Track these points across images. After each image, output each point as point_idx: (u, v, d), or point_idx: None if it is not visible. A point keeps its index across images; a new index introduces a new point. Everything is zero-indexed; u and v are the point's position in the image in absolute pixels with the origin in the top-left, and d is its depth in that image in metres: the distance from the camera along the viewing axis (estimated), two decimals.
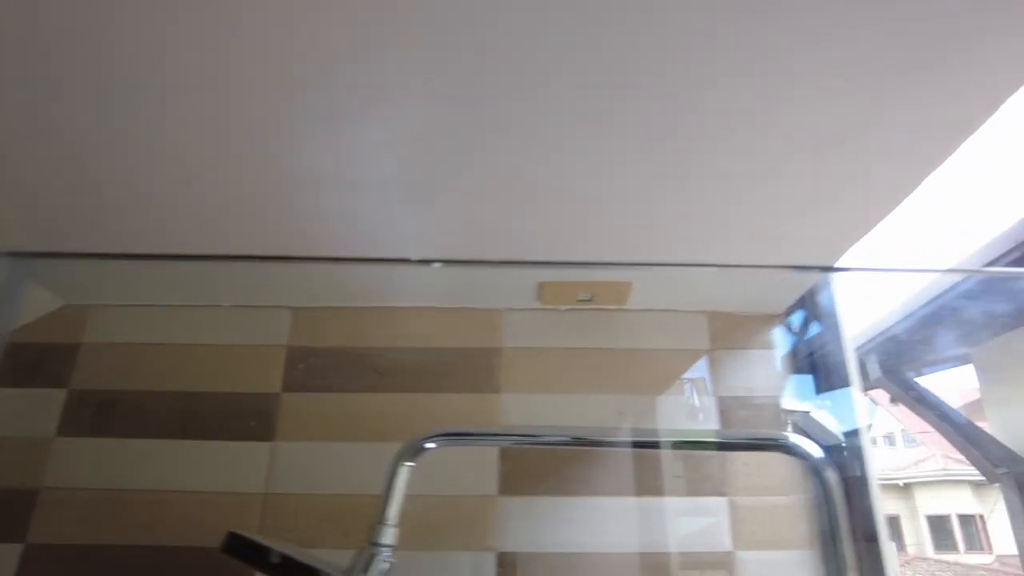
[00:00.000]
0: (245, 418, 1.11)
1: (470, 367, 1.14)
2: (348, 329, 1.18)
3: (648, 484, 1.07)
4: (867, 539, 1.05)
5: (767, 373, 1.15)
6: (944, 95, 0.65)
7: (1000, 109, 0.68)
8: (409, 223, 0.92)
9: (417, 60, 0.61)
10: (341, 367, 1.15)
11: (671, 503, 1.06)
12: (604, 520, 1.05)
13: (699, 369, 1.15)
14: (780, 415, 1.12)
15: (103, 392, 1.14)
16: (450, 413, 1.11)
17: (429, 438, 0.72)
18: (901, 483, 8.08)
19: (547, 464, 1.08)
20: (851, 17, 0.56)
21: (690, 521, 1.06)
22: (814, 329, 1.16)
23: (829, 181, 0.81)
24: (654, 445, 0.96)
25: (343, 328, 1.18)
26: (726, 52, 0.60)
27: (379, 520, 0.71)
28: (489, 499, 1.06)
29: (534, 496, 1.06)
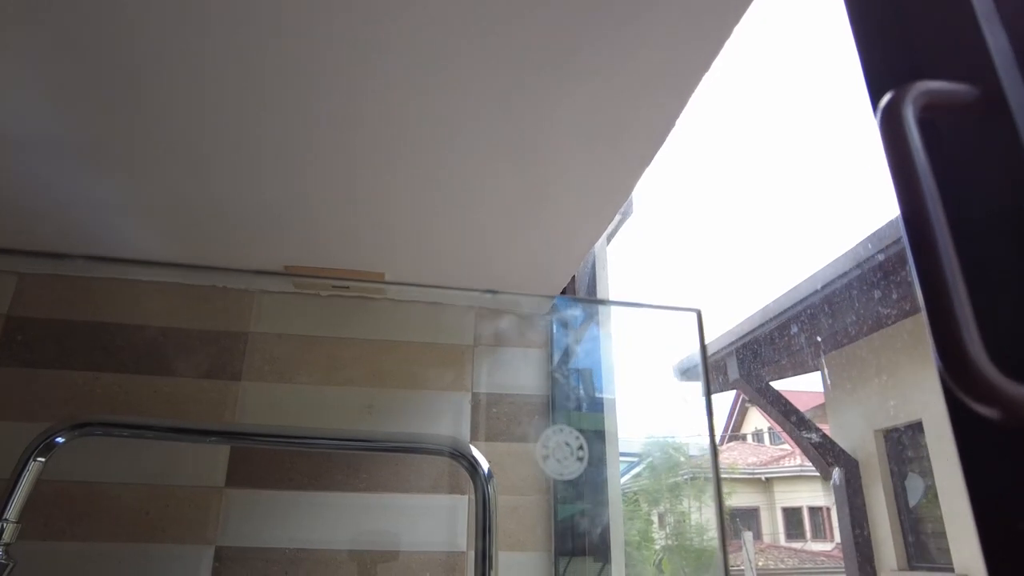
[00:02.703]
0: None
1: (209, 351, 1.07)
2: (79, 301, 1.08)
3: (382, 480, 1.04)
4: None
5: (528, 371, 1.15)
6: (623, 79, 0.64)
7: (678, 116, 0.68)
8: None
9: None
10: (66, 342, 1.04)
11: (407, 500, 1.03)
12: (332, 516, 1.01)
13: (458, 363, 1.13)
14: (535, 413, 1.12)
15: None
16: (179, 399, 1.03)
17: (63, 430, 0.65)
18: (763, 478, 8.57)
19: (278, 457, 1.03)
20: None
21: (423, 518, 1.03)
22: (576, 331, 1.16)
23: (543, 176, 0.79)
24: (326, 446, 0.92)
25: (79, 300, 1.08)
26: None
27: None
28: (215, 490, 1.00)
29: (260, 489, 1.01)
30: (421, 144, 0.73)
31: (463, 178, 0.80)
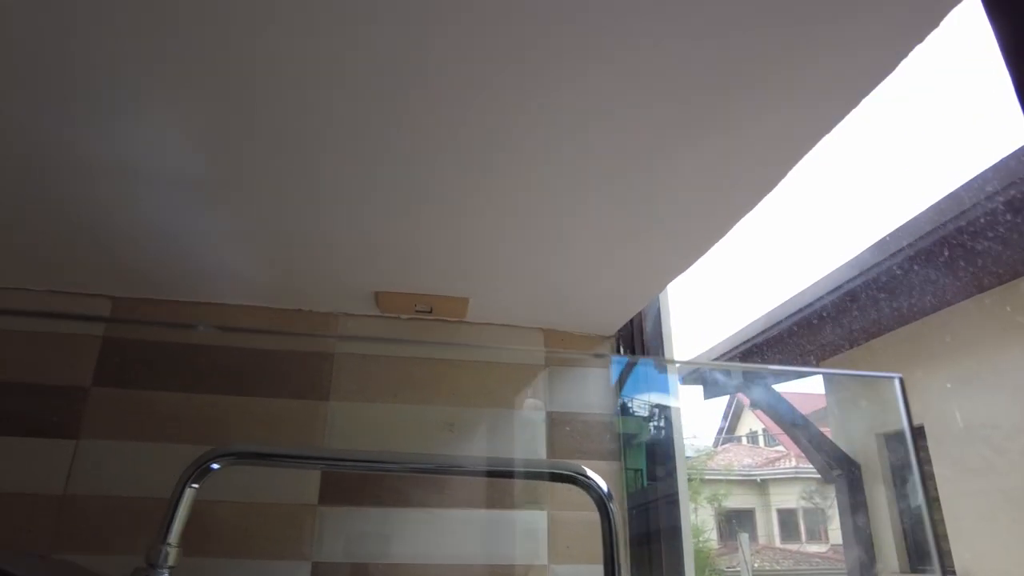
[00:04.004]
0: (48, 413, 1.03)
1: (298, 372, 1.11)
2: (171, 323, 1.12)
3: (468, 497, 1.09)
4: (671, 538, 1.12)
5: (597, 390, 1.20)
6: (748, 137, 0.69)
7: (792, 170, 0.74)
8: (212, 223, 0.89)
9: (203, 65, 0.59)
10: (159, 363, 1.09)
11: (491, 516, 1.08)
12: (424, 531, 1.06)
13: (532, 384, 1.18)
14: (606, 431, 1.17)
15: None
16: (271, 419, 1.08)
17: (215, 458, 0.70)
18: (759, 479, 8.68)
19: (368, 474, 1.07)
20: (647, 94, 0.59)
21: (508, 534, 1.08)
22: (640, 352, 1.21)
23: (645, 216, 0.85)
24: (457, 471, 0.97)
25: (164, 322, 1.12)
26: (535, 90, 0.62)
27: (160, 539, 0.68)
28: (308, 508, 1.04)
29: (353, 506, 1.05)
30: (525, 186, 0.77)
31: (560, 215, 0.85)
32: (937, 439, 3.59)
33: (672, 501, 1.11)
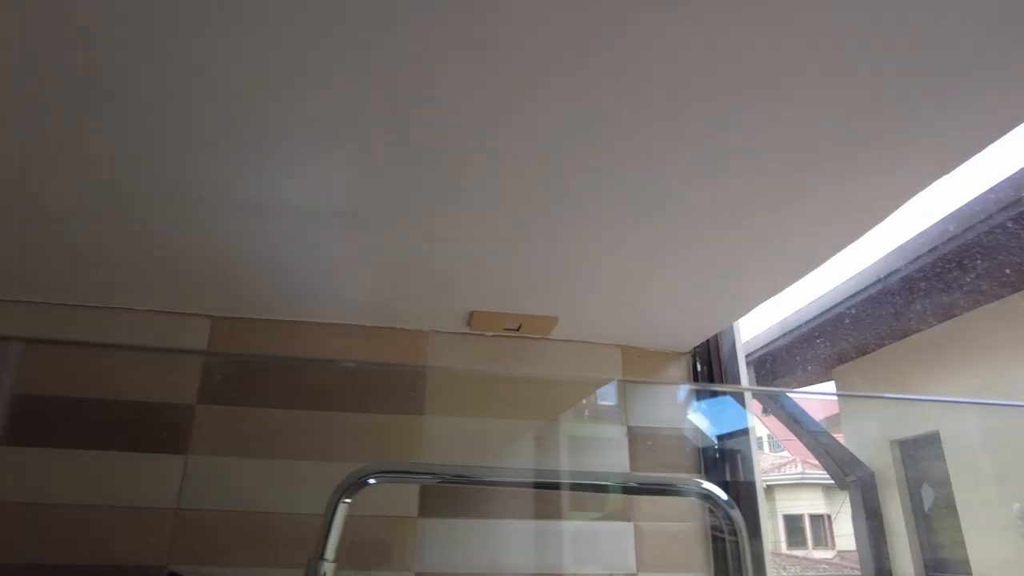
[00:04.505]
0: (157, 429, 1.07)
1: (393, 387, 1.15)
2: (269, 342, 1.16)
3: (558, 508, 1.13)
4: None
5: (674, 405, 1.25)
6: (857, 187, 0.74)
7: (906, 202, 0.79)
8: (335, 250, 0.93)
9: (374, 106, 0.63)
10: (260, 380, 1.13)
11: (579, 527, 1.13)
12: (516, 542, 1.10)
13: (612, 399, 1.22)
14: (684, 446, 1.22)
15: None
16: (371, 434, 1.12)
17: (370, 474, 0.74)
18: (764, 485, 8.74)
19: (464, 487, 1.12)
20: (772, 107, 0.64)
21: (597, 544, 1.13)
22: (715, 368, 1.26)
23: (743, 251, 0.90)
24: (588, 487, 1.01)
25: (264, 340, 1.16)
26: (661, 135, 0.66)
27: (317, 555, 0.72)
28: (409, 520, 1.08)
29: (452, 518, 1.10)
30: (628, 219, 0.81)
31: (660, 245, 0.89)
32: (952, 446, 3.64)
33: (752, 511, 1.15)
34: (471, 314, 1.13)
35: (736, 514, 0.81)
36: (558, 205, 0.79)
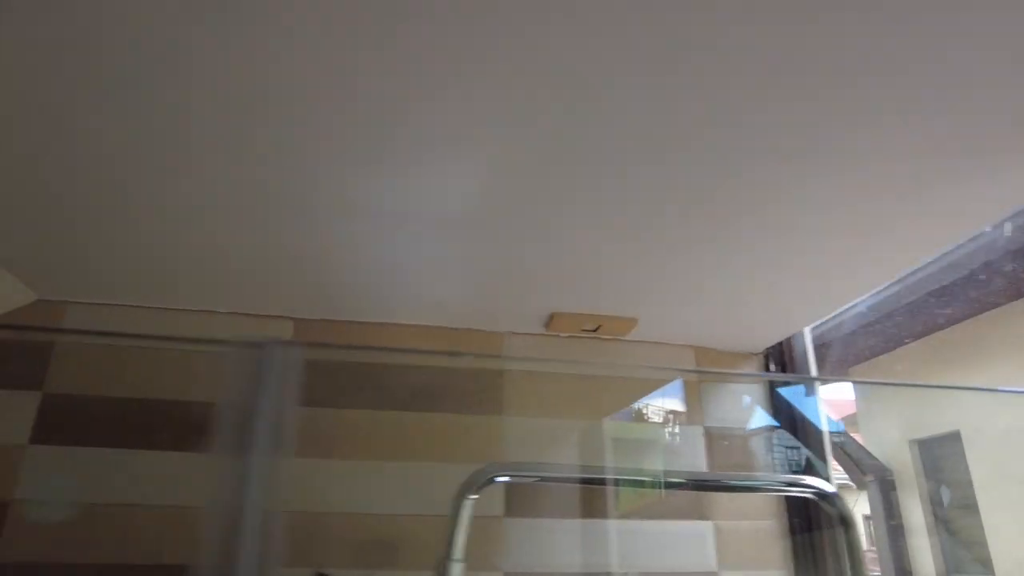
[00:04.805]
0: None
1: (473, 387, 1.16)
2: (350, 344, 1.17)
3: (638, 508, 1.14)
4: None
5: (746, 406, 1.25)
6: (970, 189, 0.75)
7: (1009, 210, 0.80)
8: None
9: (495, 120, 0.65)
10: (341, 382, 1.13)
11: (658, 526, 1.14)
12: (598, 541, 1.11)
13: (688, 399, 1.23)
14: (752, 445, 1.23)
15: (79, 397, 1.07)
16: (453, 432, 1.13)
17: (498, 472, 0.74)
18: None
19: (548, 486, 1.12)
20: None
21: (677, 541, 1.13)
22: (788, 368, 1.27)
23: (833, 252, 0.91)
24: (703, 486, 1.02)
25: (344, 342, 1.17)
26: (763, 143, 0.67)
27: (447, 556, 0.72)
28: (496, 520, 1.09)
29: (535, 518, 1.10)
30: (718, 216, 0.82)
31: (741, 244, 0.90)
32: (973, 445, 3.64)
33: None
34: (551, 315, 1.14)
35: (845, 506, 0.82)
36: (655, 205, 0.80)
